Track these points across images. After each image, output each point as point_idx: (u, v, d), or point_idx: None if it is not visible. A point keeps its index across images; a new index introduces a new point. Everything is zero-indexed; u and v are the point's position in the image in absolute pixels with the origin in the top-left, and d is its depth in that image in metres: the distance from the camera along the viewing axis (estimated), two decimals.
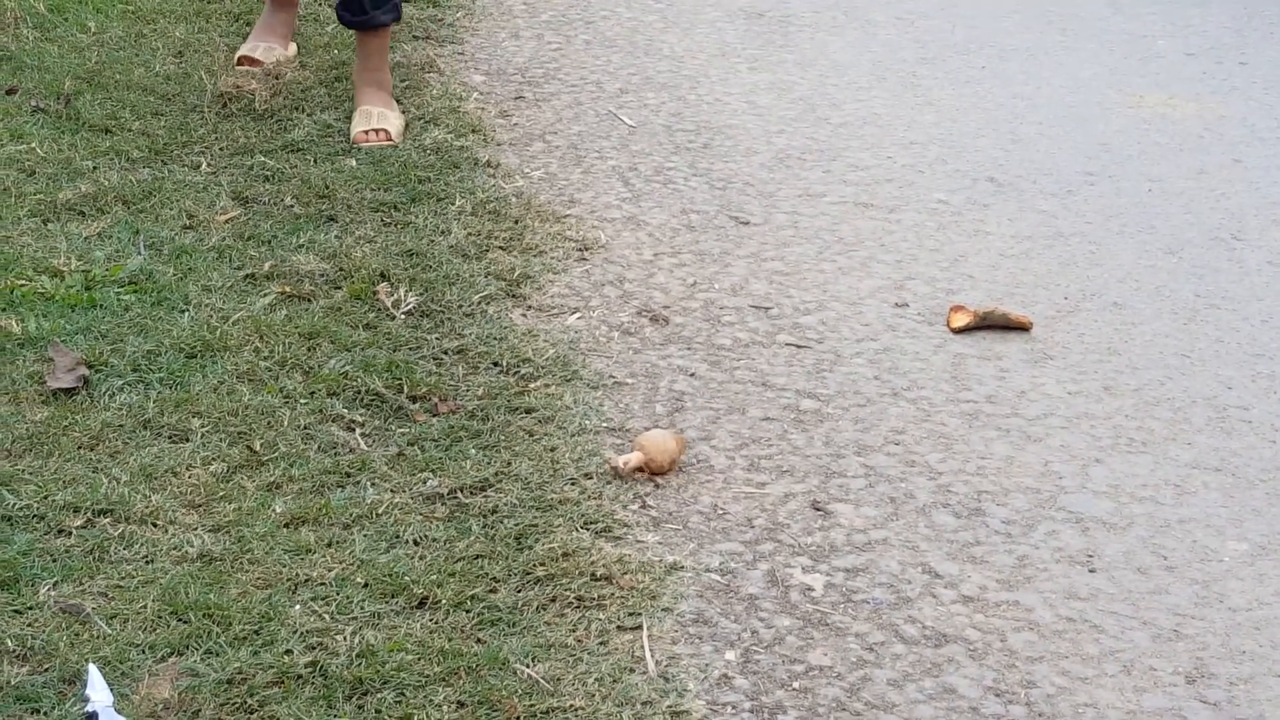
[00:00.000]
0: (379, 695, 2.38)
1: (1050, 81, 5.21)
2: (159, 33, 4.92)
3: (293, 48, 4.81)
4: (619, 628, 2.57)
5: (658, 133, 4.58)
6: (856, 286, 3.76)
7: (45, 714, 2.30)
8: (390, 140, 4.26)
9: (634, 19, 5.56)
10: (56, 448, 2.89)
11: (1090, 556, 2.85)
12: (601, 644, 2.53)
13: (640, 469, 2.97)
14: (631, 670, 2.48)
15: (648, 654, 2.53)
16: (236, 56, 4.65)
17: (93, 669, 2.32)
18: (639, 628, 2.58)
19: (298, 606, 2.55)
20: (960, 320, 3.58)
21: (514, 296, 3.58)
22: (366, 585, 2.61)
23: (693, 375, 3.34)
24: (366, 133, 4.25)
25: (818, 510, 2.93)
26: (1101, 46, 5.60)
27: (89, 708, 2.27)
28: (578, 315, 3.54)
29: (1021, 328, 3.60)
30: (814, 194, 4.25)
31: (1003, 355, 3.51)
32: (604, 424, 3.13)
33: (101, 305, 3.35)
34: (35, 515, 2.71)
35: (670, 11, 5.66)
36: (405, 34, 5.10)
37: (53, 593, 2.53)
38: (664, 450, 2.97)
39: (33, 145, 4.06)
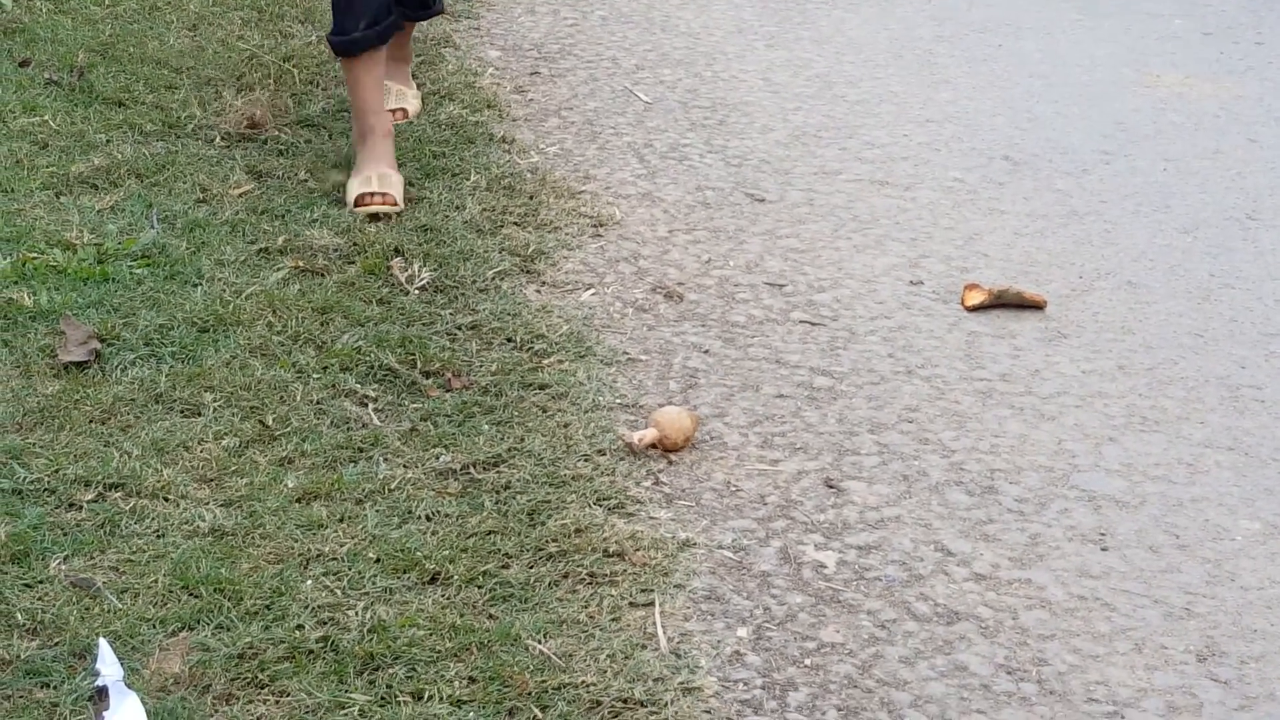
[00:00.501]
0: (390, 670, 2.37)
1: (1066, 60, 5.20)
2: (173, 6, 4.92)
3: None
4: (631, 604, 2.57)
5: (673, 109, 4.57)
6: (871, 264, 3.75)
7: (55, 688, 2.30)
8: (407, 119, 4.25)
9: None
10: (68, 421, 2.88)
11: (1103, 535, 2.85)
12: (614, 620, 2.53)
13: (654, 445, 2.96)
14: (643, 646, 2.48)
15: (660, 630, 2.52)
16: (356, 195, 3.74)
17: (103, 643, 2.31)
18: (651, 604, 2.58)
19: (309, 581, 2.55)
20: (975, 298, 3.57)
21: (528, 272, 3.57)
22: (378, 560, 2.60)
23: (707, 352, 3.33)
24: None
25: (831, 487, 2.92)
26: (1118, 26, 5.58)
27: (99, 682, 2.26)
28: (592, 291, 3.53)
29: (1036, 306, 3.59)
30: (829, 171, 4.24)
31: (1017, 334, 3.49)
32: (617, 400, 3.13)
33: (114, 279, 3.35)
34: (46, 489, 2.71)
35: None
36: None
37: (63, 567, 2.53)
38: (679, 427, 2.97)
39: (46, 118, 4.05)
